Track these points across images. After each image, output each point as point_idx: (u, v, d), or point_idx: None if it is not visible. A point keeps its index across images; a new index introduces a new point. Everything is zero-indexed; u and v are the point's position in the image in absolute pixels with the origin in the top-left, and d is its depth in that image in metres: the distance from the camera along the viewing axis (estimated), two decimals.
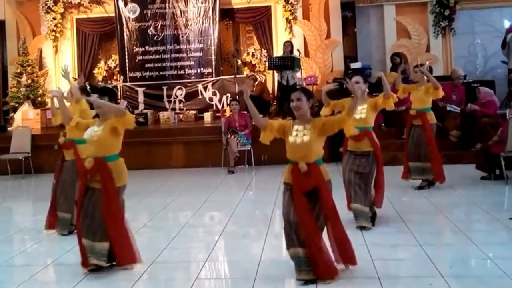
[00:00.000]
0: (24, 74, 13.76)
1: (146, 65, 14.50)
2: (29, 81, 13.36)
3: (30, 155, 11.36)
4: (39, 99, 14.02)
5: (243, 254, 5.81)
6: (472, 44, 13.75)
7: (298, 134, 4.76)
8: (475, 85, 11.77)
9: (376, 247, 5.70)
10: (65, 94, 6.63)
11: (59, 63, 14.72)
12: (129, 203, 8.39)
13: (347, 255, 4.94)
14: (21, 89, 13.79)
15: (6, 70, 14.99)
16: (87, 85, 7.14)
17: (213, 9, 14.11)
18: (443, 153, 8.67)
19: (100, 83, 14.47)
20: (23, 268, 5.63)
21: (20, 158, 11.46)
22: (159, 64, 14.48)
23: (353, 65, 12.93)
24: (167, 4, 14.31)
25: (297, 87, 5.89)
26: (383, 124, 11.70)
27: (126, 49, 14.51)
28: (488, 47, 13.65)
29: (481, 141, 9.54)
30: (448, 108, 10.98)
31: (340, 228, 4.88)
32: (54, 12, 14.51)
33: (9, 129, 13.20)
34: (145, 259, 5.69)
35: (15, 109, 13.89)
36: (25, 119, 13.45)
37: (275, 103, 12.91)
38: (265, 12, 14.32)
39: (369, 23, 14.65)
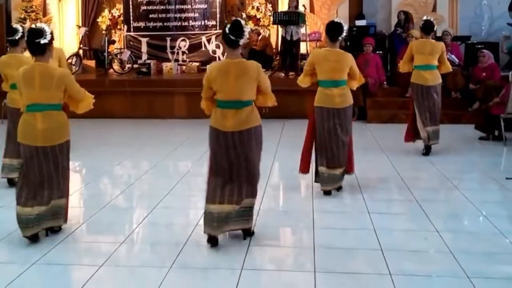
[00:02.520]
0: (28, 20, 13.66)
1: (150, 16, 14.40)
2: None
3: None
4: None
5: None
6: (479, 5, 13.56)
7: None
8: (479, 46, 11.71)
9: (373, 201, 5.82)
10: None
11: (63, 10, 14.65)
12: (131, 151, 8.60)
13: None
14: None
15: (10, 15, 14.87)
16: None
17: None
18: (443, 112, 8.69)
19: (103, 32, 14.41)
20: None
21: None
22: (163, 15, 14.38)
23: (358, 23, 12.86)
24: None
25: None
26: (385, 83, 11.73)
27: None
28: (494, 8, 13.48)
29: (483, 102, 9.55)
30: (446, 57, 10.97)
31: None
32: None
33: None
34: (146, 205, 5.83)
35: None
36: None
37: (278, 58, 12.88)
38: None
39: None
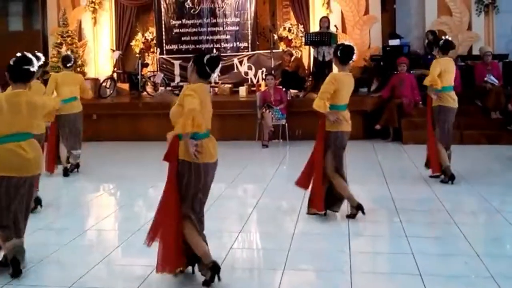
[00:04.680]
0: (64, 45, 13.94)
1: (183, 38, 14.54)
2: (69, 52, 13.50)
3: None
4: (78, 69, 14.18)
5: (276, 226, 5.85)
6: None
7: None
8: None
9: (411, 224, 5.68)
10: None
11: (98, 35, 14.90)
12: (165, 173, 8.56)
13: None
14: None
15: (47, 40, 15.20)
16: None
17: None
18: (482, 133, 8.51)
19: (137, 55, 14.61)
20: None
21: None
22: (196, 38, 14.49)
23: (392, 42, 12.76)
24: None
25: None
26: (420, 102, 11.57)
27: (163, 22, 14.56)
28: None
29: None
30: (485, 79, 10.81)
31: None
32: None
33: None
34: None
35: None
36: None
37: (310, 79, 12.85)
38: None
39: None
